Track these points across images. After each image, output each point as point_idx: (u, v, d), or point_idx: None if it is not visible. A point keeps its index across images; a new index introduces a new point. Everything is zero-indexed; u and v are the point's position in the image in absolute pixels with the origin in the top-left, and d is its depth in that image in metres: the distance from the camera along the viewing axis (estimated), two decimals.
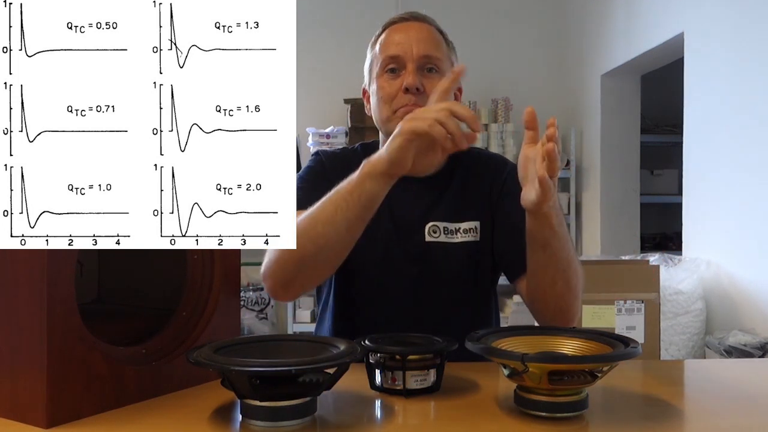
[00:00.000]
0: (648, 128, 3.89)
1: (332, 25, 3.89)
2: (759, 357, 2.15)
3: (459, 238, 1.25)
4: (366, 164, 1.02)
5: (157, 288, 1.12)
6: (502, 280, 1.34)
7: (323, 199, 1.05)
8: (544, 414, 0.81)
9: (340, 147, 1.44)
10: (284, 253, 1.07)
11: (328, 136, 3.62)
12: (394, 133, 1.00)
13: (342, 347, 0.84)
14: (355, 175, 1.02)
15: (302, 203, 1.15)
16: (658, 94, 4.00)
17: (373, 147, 1.33)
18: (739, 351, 2.20)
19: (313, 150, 3.62)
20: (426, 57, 1.22)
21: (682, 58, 2.83)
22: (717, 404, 0.92)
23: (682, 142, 2.82)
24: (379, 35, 1.29)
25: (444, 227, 1.25)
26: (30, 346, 0.79)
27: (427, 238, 1.25)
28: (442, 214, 1.26)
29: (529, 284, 1.15)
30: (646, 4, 3.12)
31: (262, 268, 1.12)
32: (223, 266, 1.00)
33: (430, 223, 1.25)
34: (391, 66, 1.23)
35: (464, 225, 1.26)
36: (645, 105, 3.74)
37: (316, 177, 1.28)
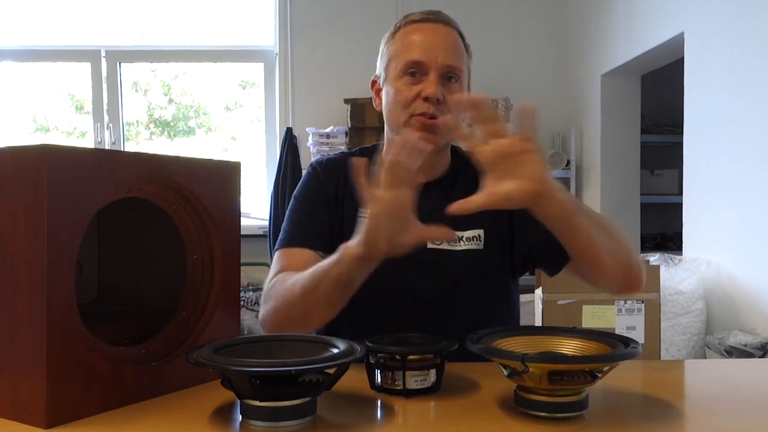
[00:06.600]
0: (648, 128, 3.89)
1: (332, 26, 3.89)
2: (759, 357, 2.15)
3: (462, 246, 1.22)
4: (343, 248, 0.98)
5: (157, 288, 1.12)
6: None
7: (309, 271, 1.04)
8: (544, 414, 0.81)
9: (338, 152, 1.40)
10: (277, 312, 1.09)
11: (328, 136, 3.61)
12: (366, 216, 0.93)
13: (342, 347, 0.84)
14: (335, 256, 0.99)
15: (295, 238, 1.21)
16: (658, 94, 4.00)
17: (372, 151, 1.29)
18: (739, 351, 2.19)
19: (313, 150, 3.63)
20: (449, 67, 1.18)
21: (682, 58, 2.83)
22: (717, 404, 0.92)
23: (682, 142, 2.81)
24: (399, 28, 1.23)
25: None
26: (30, 346, 0.79)
27: (429, 245, 1.21)
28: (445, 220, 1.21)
29: (583, 266, 1.07)
30: (646, 4, 3.11)
31: (260, 314, 1.12)
32: (223, 266, 1.00)
33: None
34: (412, 70, 1.19)
35: (467, 233, 1.22)
36: (645, 105, 3.74)
37: (310, 201, 1.26)
